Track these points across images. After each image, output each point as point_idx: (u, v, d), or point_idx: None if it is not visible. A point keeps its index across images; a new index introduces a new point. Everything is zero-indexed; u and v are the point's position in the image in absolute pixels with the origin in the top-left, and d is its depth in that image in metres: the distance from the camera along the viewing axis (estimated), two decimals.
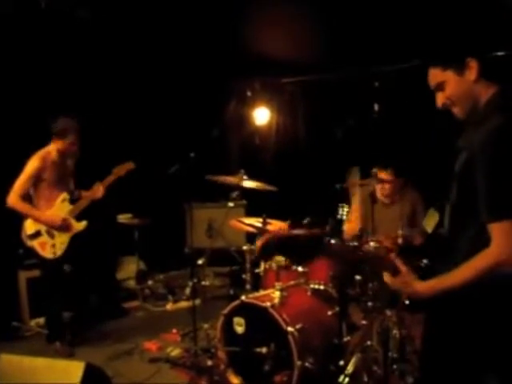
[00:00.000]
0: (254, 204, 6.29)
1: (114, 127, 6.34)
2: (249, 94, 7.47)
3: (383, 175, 4.55)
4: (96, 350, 4.79)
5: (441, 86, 2.28)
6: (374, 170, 4.30)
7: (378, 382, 3.61)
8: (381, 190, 4.66)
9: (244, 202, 6.59)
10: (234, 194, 4.65)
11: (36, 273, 5.40)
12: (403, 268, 2.35)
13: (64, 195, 4.85)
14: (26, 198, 4.67)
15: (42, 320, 5.40)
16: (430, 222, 2.89)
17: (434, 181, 5.15)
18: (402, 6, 4.92)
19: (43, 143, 4.82)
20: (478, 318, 2.15)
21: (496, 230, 2.01)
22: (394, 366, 3.68)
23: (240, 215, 5.98)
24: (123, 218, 6.48)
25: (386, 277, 2.44)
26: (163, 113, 7.01)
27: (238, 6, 5.14)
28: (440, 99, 2.31)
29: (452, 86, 2.24)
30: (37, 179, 4.65)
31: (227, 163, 7.37)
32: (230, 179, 4.52)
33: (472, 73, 2.19)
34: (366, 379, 3.60)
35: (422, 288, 2.24)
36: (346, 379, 3.45)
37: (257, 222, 4.53)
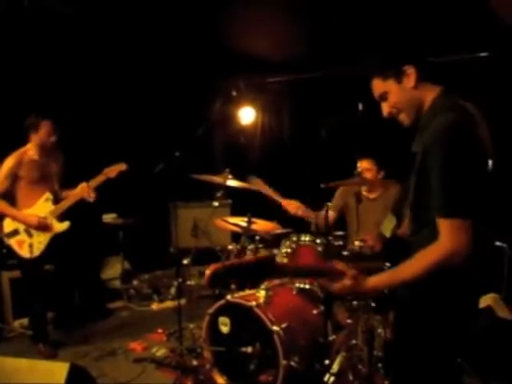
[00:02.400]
0: (240, 203, 6.28)
1: (99, 126, 6.31)
2: (234, 93, 7.46)
3: (364, 164, 4.58)
4: (80, 351, 4.76)
5: (384, 96, 2.36)
6: (358, 170, 4.32)
7: (363, 381, 3.62)
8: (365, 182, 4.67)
9: (229, 201, 6.59)
10: (219, 194, 4.64)
11: (19, 273, 5.36)
12: (349, 270, 2.37)
13: (47, 195, 4.81)
14: (6, 196, 4.65)
15: (25, 321, 5.36)
16: (387, 226, 2.92)
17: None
18: (386, 5, 4.95)
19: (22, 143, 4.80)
20: (434, 312, 2.22)
21: (445, 225, 2.06)
22: (379, 365, 3.70)
23: (225, 214, 5.98)
24: (108, 218, 6.46)
25: (323, 283, 2.46)
26: (148, 112, 6.98)
27: (223, 5, 5.13)
28: (385, 109, 2.39)
29: (394, 95, 2.32)
30: (14, 177, 4.63)
31: (212, 162, 7.37)
32: (215, 178, 4.52)
33: (410, 79, 2.26)
34: (351, 378, 3.61)
35: (373, 283, 2.28)
36: (332, 378, 3.45)
37: (242, 221, 4.53)
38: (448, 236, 2.03)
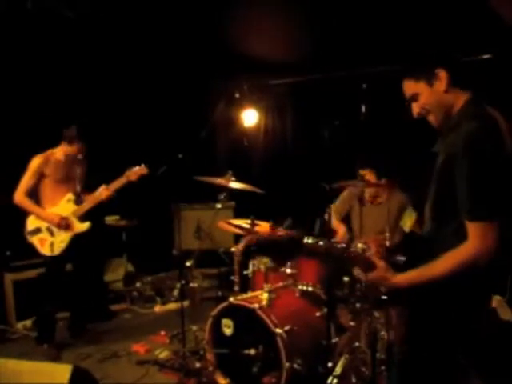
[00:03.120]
0: (243, 205, 6.28)
1: (101, 128, 6.30)
2: (237, 95, 7.46)
3: (365, 174, 4.59)
4: (83, 353, 4.77)
5: (415, 97, 2.41)
6: (361, 172, 4.32)
7: (366, 383, 3.62)
8: (367, 191, 4.68)
9: (232, 203, 6.59)
10: (222, 196, 4.64)
11: (23, 275, 5.40)
12: (380, 263, 2.43)
13: (69, 195, 4.92)
14: (32, 195, 4.80)
15: (28, 322, 5.38)
16: (407, 221, 2.95)
17: (418, 183, 5.21)
18: (389, 8, 4.94)
19: (42, 146, 4.92)
20: (451, 310, 2.28)
21: (473, 228, 2.15)
22: (382, 367, 3.70)
23: (228, 216, 5.98)
24: (111, 220, 6.47)
25: (357, 272, 2.51)
26: (151, 114, 6.98)
27: (226, 7, 5.14)
28: (415, 109, 2.44)
29: (425, 97, 2.37)
30: (40, 176, 4.78)
31: (215, 164, 7.36)
32: (218, 180, 4.52)
33: (442, 83, 2.31)
34: (354, 380, 3.61)
35: (401, 280, 2.36)
36: (335, 380, 3.45)
37: (245, 223, 4.53)
38: (477, 238, 2.12)
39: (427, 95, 2.35)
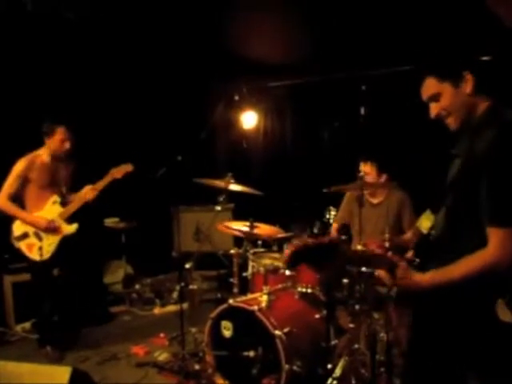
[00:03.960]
0: (242, 207, 6.28)
1: (101, 130, 6.31)
2: (236, 97, 7.47)
3: (366, 168, 4.59)
4: (82, 355, 4.76)
5: (436, 97, 2.35)
6: (360, 174, 4.32)
7: None
8: (368, 186, 4.67)
9: (231, 205, 6.59)
10: (222, 198, 4.64)
11: (22, 277, 5.38)
12: (401, 262, 2.42)
13: (55, 197, 4.83)
14: (16, 199, 4.69)
15: (27, 325, 5.38)
16: (425, 223, 2.94)
17: (420, 183, 5.22)
18: (389, 10, 4.95)
19: (33, 146, 4.82)
20: (460, 317, 2.26)
21: (495, 234, 2.12)
22: (382, 369, 3.69)
23: (227, 219, 5.98)
24: (110, 222, 6.47)
25: (380, 272, 2.49)
26: (150, 116, 6.99)
27: (225, 10, 5.14)
28: (434, 110, 2.39)
29: (447, 98, 2.32)
30: (24, 180, 4.66)
31: (215, 167, 7.37)
32: (218, 183, 4.52)
33: (468, 86, 2.27)
34: (353, 382, 3.61)
35: (421, 279, 2.32)
36: (334, 382, 3.45)
37: (244, 225, 4.53)
38: (498, 244, 2.09)
39: (451, 96, 2.31)
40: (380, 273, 2.56)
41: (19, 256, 4.84)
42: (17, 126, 5.51)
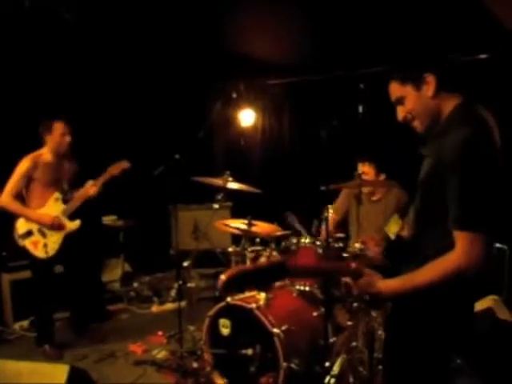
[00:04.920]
0: (240, 205, 6.28)
1: (99, 128, 6.31)
2: (234, 95, 7.46)
3: (364, 168, 4.60)
4: (80, 353, 4.77)
5: (401, 101, 2.35)
6: (358, 172, 4.32)
7: (364, 383, 3.62)
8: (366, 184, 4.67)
9: (229, 203, 6.59)
10: (220, 196, 4.64)
11: (20, 275, 5.39)
12: (365, 270, 2.44)
13: (56, 194, 4.85)
14: (19, 198, 4.71)
15: (25, 323, 5.37)
16: (393, 228, 2.94)
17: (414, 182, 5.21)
18: (386, 8, 4.95)
19: (33, 145, 4.83)
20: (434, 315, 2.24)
21: (462, 238, 2.09)
22: (380, 367, 3.70)
23: (225, 217, 5.98)
24: (108, 220, 6.46)
25: (348, 282, 2.50)
26: (148, 114, 6.98)
27: (223, 8, 5.14)
28: (400, 113, 2.38)
29: (411, 101, 2.31)
30: (28, 179, 4.69)
31: (213, 165, 7.37)
32: (216, 181, 4.52)
33: (430, 88, 2.24)
34: (351, 380, 3.61)
35: (386, 287, 2.31)
36: (332, 380, 3.45)
37: (242, 223, 4.53)
38: (465, 248, 2.06)
39: (414, 99, 2.29)
40: (348, 282, 2.56)
41: (18, 254, 4.87)
42: (16, 123, 5.52)
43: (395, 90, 2.36)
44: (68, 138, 4.80)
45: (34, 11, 4.95)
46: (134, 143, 6.62)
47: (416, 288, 2.19)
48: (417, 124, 2.34)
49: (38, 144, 4.82)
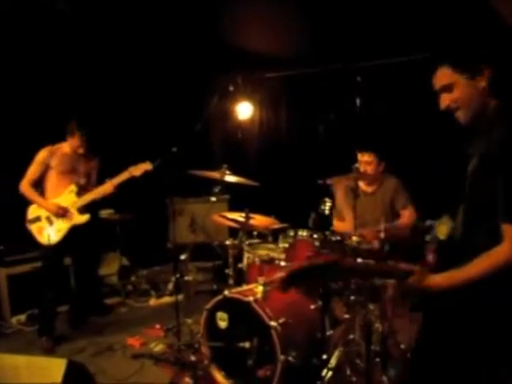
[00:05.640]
0: (237, 199, 6.28)
1: (97, 122, 6.29)
2: (231, 88, 7.44)
3: (365, 157, 4.60)
4: (78, 346, 4.77)
5: (449, 88, 2.29)
6: (356, 165, 4.32)
7: (361, 376, 3.63)
8: (363, 177, 4.67)
9: (227, 196, 6.58)
10: (217, 189, 4.63)
11: (17, 270, 5.41)
12: (414, 268, 2.33)
13: (72, 187, 4.98)
14: (37, 186, 4.92)
15: (23, 317, 5.38)
16: (442, 229, 2.91)
17: (416, 172, 5.24)
18: (385, 1, 4.94)
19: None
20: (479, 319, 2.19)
21: (510, 230, 2.09)
22: (377, 360, 3.71)
23: (223, 210, 5.97)
24: (105, 214, 6.45)
25: (402, 284, 2.41)
26: (145, 107, 6.96)
27: (221, 1, 5.12)
28: (445, 100, 2.32)
29: (461, 90, 2.26)
30: (45, 167, 4.89)
31: (210, 158, 7.35)
32: (213, 174, 4.52)
33: (484, 80, 2.21)
34: (348, 373, 3.62)
35: (436, 281, 2.25)
36: (329, 373, 3.46)
37: (240, 216, 4.53)
38: (511, 240, 2.07)
39: (464, 88, 2.25)
40: (401, 285, 2.48)
41: (15, 248, 4.91)
42: (18, 120, 5.60)
43: (444, 76, 2.29)
44: (81, 151, 4.99)
45: (30, 5, 4.95)
46: (132, 136, 6.60)
47: (464, 281, 2.16)
48: (461, 114, 2.29)
49: (52, 139, 5.00)
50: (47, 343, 4.77)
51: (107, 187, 4.97)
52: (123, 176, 4.96)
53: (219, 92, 7.52)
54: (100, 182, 5.07)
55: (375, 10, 5.08)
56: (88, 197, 4.98)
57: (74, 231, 4.93)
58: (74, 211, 4.94)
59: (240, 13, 5.28)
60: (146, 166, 4.97)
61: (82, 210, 4.99)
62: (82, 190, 5.01)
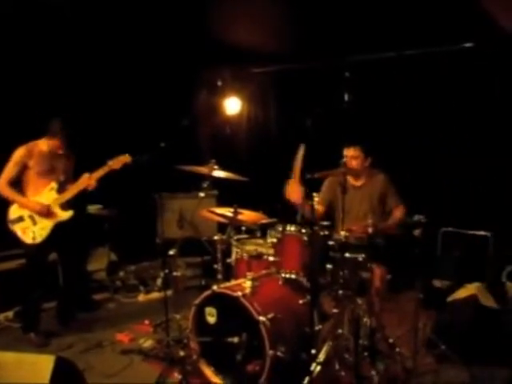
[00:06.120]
0: (226, 194, 6.28)
1: (84, 118, 6.25)
2: (219, 83, 7.43)
3: (351, 152, 4.61)
4: (67, 342, 4.76)
5: None
6: (343, 160, 4.33)
7: (350, 370, 3.65)
8: (350, 171, 4.67)
9: (215, 192, 6.57)
10: (205, 184, 4.62)
11: (3, 266, 5.38)
12: None
13: (52, 184, 4.88)
14: (15, 184, 4.79)
15: (10, 314, 5.35)
16: None
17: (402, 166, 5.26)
18: None
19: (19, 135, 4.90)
20: None
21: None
22: (365, 354, 3.73)
23: (211, 205, 5.96)
24: (93, 209, 6.43)
25: None
26: (133, 102, 6.93)
27: None
28: None
29: None
30: (23, 167, 4.76)
31: (198, 153, 7.34)
32: (201, 169, 4.51)
33: None
34: (337, 367, 3.64)
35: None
36: (318, 367, 3.48)
37: (228, 211, 4.53)
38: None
39: None
40: None
41: (2, 245, 4.85)
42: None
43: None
44: (60, 151, 4.89)
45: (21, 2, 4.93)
46: (119, 131, 6.57)
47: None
48: None
49: (30, 136, 4.89)
50: (38, 339, 4.76)
51: (86, 181, 4.90)
52: (103, 170, 4.91)
53: (207, 87, 7.51)
54: (78, 176, 4.97)
55: (364, 5, 5.09)
56: (69, 193, 4.92)
57: (59, 228, 4.87)
58: (56, 208, 4.88)
59: (228, 7, 5.27)
60: (125, 159, 4.94)
61: (65, 206, 4.93)
62: (61, 187, 4.94)
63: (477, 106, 5.75)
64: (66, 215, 4.91)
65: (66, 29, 5.60)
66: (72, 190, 4.92)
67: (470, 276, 5.04)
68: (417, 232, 3.86)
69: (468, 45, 5.61)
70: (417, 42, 5.72)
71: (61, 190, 4.92)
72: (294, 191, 4.24)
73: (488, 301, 4.43)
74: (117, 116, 6.74)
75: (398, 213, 4.54)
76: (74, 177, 5.01)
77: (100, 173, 4.91)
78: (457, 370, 3.97)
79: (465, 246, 5.61)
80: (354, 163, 4.62)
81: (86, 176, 4.91)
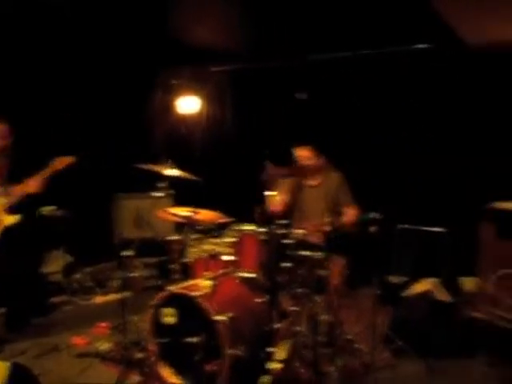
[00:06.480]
0: (182, 194, 6.25)
1: (37, 117, 6.15)
2: (175, 82, 7.38)
3: (303, 153, 4.64)
4: (21, 348, 4.65)
5: None
6: (298, 151, 4.36)
7: (309, 366, 3.68)
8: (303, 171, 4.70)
9: (172, 191, 6.53)
10: (162, 184, 4.60)
11: None
12: None
13: None
14: None
15: None
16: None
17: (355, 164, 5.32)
18: None
19: None
20: None
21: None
22: (324, 350, 3.77)
23: (168, 205, 5.92)
24: (47, 211, 6.31)
25: None
26: (87, 101, 6.83)
27: None
28: None
29: None
30: None
31: (154, 153, 7.28)
32: (157, 168, 4.48)
33: None
34: (297, 364, 3.67)
35: None
36: (278, 365, 3.49)
37: (184, 211, 4.51)
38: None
39: None
40: None
41: None
42: None
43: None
44: (7, 142, 4.74)
45: None
46: (74, 132, 6.46)
47: None
48: None
49: None
50: None
51: (31, 184, 4.75)
52: (46, 172, 4.78)
53: (163, 86, 7.46)
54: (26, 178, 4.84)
55: (322, 4, 5.12)
56: (14, 197, 4.77)
57: (8, 233, 4.74)
58: (2, 213, 4.72)
59: (187, 6, 5.25)
60: (68, 160, 4.84)
61: (12, 210, 4.79)
62: (4, 190, 4.79)
63: (436, 105, 5.85)
64: (12, 220, 4.78)
65: (18, 27, 5.50)
66: (16, 195, 4.78)
67: (426, 272, 5.12)
68: (372, 229, 3.91)
69: (422, 46, 5.69)
70: (373, 42, 5.78)
71: (4, 193, 4.77)
72: (277, 204, 4.30)
73: (443, 295, 4.52)
74: (73, 117, 6.63)
75: (351, 211, 4.58)
76: (15, 178, 4.87)
77: (43, 175, 4.78)
78: (414, 364, 4.04)
79: (421, 242, 5.70)
80: (306, 163, 4.65)
81: (29, 180, 4.77)
